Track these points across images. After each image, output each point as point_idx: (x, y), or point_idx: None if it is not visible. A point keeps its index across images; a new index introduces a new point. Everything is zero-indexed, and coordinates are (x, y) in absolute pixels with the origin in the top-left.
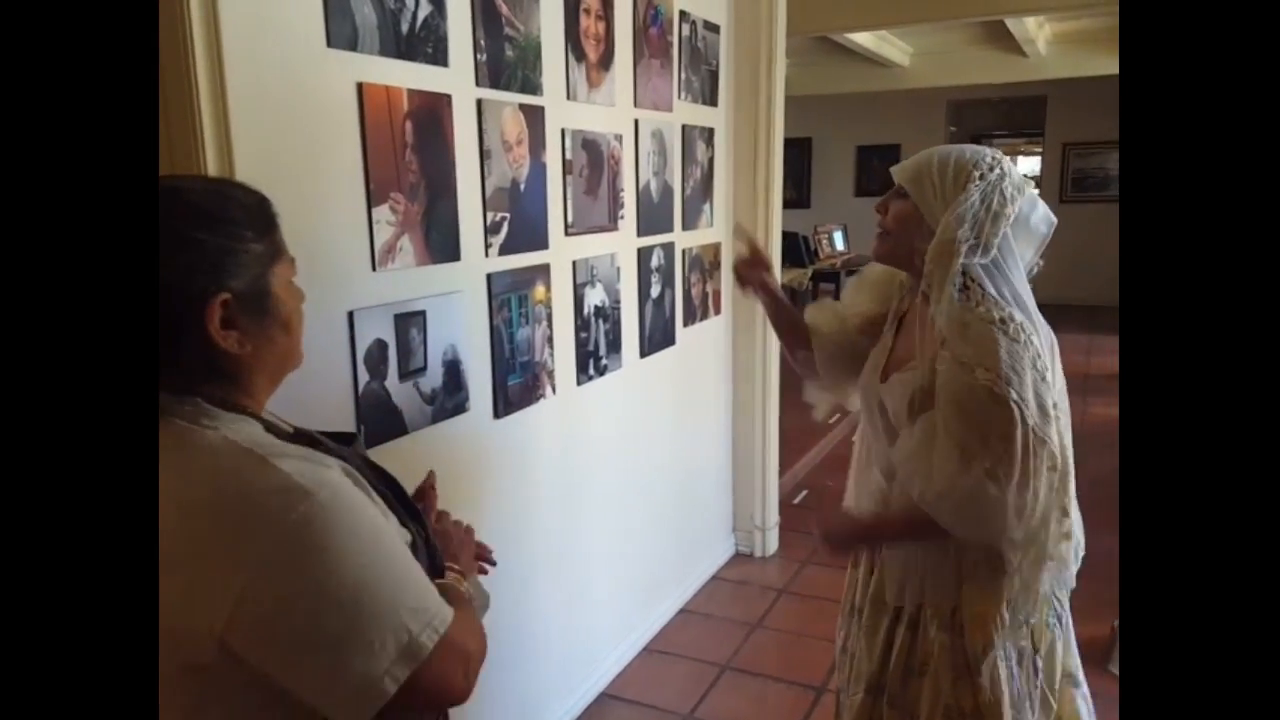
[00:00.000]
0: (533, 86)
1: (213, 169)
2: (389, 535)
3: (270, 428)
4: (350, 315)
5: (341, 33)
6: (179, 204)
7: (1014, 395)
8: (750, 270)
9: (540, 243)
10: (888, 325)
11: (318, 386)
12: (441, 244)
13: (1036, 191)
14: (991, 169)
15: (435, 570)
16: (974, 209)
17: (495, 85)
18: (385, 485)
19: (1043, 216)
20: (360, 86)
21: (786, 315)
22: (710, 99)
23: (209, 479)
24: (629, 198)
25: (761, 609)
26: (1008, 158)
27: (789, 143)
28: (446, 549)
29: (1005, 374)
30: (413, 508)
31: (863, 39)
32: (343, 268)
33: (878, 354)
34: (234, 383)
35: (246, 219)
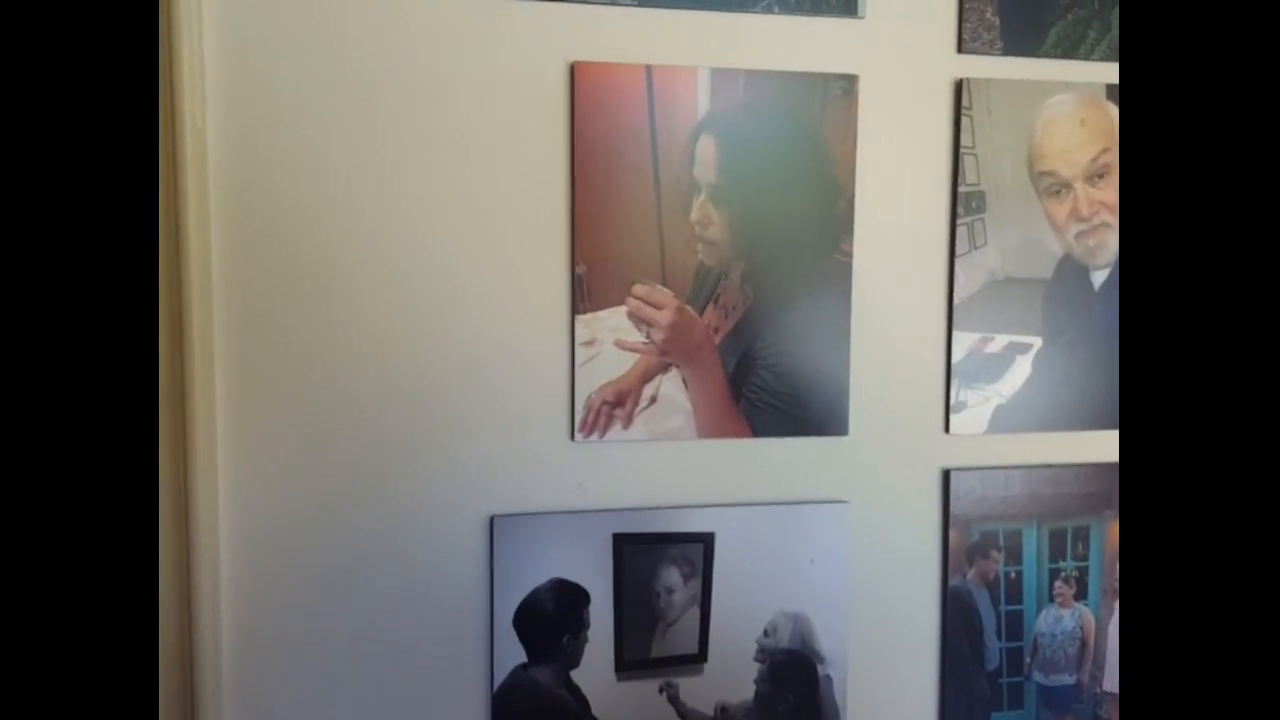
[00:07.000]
0: None
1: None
2: None
3: None
4: (490, 523)
5: None
6: None
7: None
8: None
9: None
10: None
11: (398, 676)
12: (775, 395)
13: None
14: None
15: None
16: None
17: (1022, 48)
18: None
19: None
20: (572, 70)
21: None
22: None
23: None
24: None
25: None
26: None
27: None
28: None
29: None
30: None
31: None
32: (484, 432)
33: None
34: None
35: None
